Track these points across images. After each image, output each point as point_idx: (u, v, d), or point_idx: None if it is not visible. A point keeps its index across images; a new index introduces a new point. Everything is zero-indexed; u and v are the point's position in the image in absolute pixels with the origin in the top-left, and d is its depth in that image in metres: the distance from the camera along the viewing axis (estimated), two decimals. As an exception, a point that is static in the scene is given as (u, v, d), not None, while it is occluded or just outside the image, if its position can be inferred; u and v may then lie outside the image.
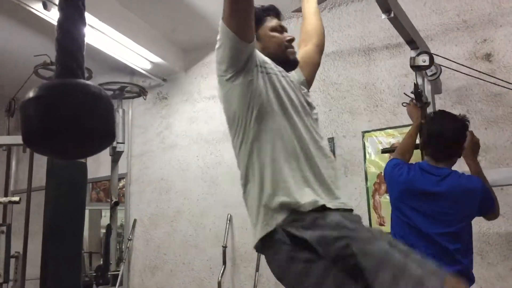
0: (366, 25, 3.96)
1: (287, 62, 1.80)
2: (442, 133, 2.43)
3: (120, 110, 3.75)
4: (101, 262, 4.99)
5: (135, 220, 4.87)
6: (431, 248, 2.24)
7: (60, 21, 0.53)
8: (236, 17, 1.54)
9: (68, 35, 0.49)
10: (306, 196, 1.50)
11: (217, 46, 1.64)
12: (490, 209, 2.46)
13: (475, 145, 2.57)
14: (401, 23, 2.54)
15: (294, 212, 1.48)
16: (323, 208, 1.50)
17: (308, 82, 1.97)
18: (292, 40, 1.84)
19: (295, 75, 1.89)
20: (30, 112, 0.45)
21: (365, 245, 1.38)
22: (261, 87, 1.60)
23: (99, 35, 3.86)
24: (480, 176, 2.46)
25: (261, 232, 1.52)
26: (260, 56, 1.68)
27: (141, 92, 4.02)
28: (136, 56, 4.38)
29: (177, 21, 4.30)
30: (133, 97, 4.20)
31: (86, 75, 2.79)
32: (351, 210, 1.63)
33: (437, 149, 2.45)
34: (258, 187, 1.55)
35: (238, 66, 1.58)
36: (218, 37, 1.62)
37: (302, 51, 2.06)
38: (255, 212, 1.56)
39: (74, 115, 0.45)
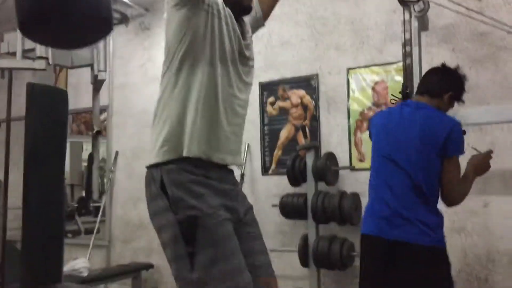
0: (356, -43, 3.85)
1: (241, 7, 1.70)
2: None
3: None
4: (83, 195, 5.04)
5: (117, 152, 4.88)
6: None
7: None
8: None
9: None
10: (194, 147, 1.53)
11: None
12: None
13: (485, 166, 2.31)
14: (392, -46, 2.46)
15: (179, 160, 1.52)
16: (209, 164, 1.56)
17: (265, 15, 1.93)
18: None
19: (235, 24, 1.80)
20: None
21: (210, 224, 1.48)
22: (199, 25, 1.54)
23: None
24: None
25: (149, 161, 1.60)
26: None
27: (123, 19, 3.89)
28: (117, -18, 4.20)
29: None
30: (114, 24, 4.06)
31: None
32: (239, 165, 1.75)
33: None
34: (161, 123, 1.59)
35: None
36: None
37: None
38: (154, 141, 1.61)
39: (63, 2, 0.43)
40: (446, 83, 2.24)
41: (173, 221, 1.48)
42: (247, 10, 1.75)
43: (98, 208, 4.67)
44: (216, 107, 1.58)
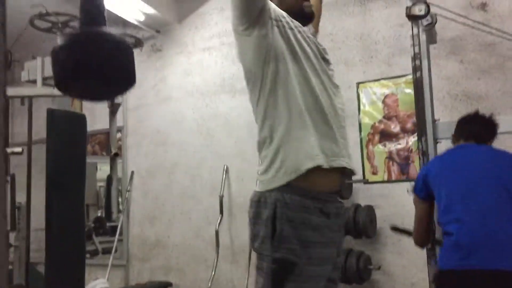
0: (362, -26, 3.92)
1: (303, 15, 1.75)
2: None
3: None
4: (98, 214, 5.11)
5: (132, 172, 4.95)
6: None
7: None
8: None
9: None
10: (313, 159, 1.50)
11: None
12: None
13: None
14: (398, -28, 2.53)
15: (295, 186, 1.49)
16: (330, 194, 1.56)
17: (316, 31, 1.98)
18: None
19: (306, 29, 1.87)
20: (60, 59, 0.50)
21: (306, 276, 1.46)
22: (276, 41, 1.56)
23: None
24: None
25: (260, 187, 1.56)
26: (277, 10, 1.63)
27: (137, 43, 4.00)
28: (129, 6, 4.32)
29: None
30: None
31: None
32: (351, 172, 1.69)
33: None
34: (272, 147, 1.56)
35: (251, 17, 1.54)
36: None
37: None
38: (265, 168, 1.57)
39: (99, 61, 0.49)
40: (492, 131, 2.44)
41: (270, 256, 1.47)
42: (310, 16, 1.80)
43: (115, 227, 4.75)
44: (323, 114, 1.57)
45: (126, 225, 4.93)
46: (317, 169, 1.50)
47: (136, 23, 4.59)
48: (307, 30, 1.79)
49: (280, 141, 1.54)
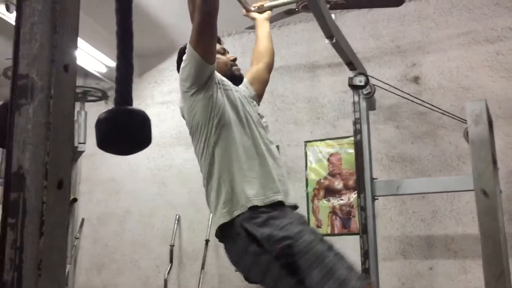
0: (311, 44, 4.32)
1: (234, 77, 2.13)
2: None
3: (83, 113, 3.92)
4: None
5: (83, 219, 4.97)
6: None
7: (118, 62, 0.79)
8: (202, 42, 1.82)
9: (124, 71, 0.76)
10: (254, 198, 1.77)
11: (183, 65, 1.90)
12: None
13: None
14: (341, 47, 2.89)
15: (251, 208, 1.74)
16: (278, 204, 1.79)
17: (259, 96, 2.29)
18: (235, 59, 2.18)
19: (246, 90, 2.21)
20: (102, 126, 0.72)
21: (304, 247, 1.63)
22: (220, 101, 1.88)
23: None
24: None
25: (219, 221, 1.79)
26: (218, 75, 1.97)
27: (103, 96, 4.18)
28: (92, 59, 4.51)
29: (133, 28, 4.48)
30: (95, 101, 4.35)
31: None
32: (297, 206, 1.95)
33: None
34: (218, 186, 1.82)
35: (201, 83, 1.86)
36: (185, 57, 1.89)
37: (253, 68, 2.38)
38: (214, 206, 1.82)
39: (132, 129, 0.72)
40: None
41: (271, 260, 1.61)
42: (240, 79, 2.15)
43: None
44: (262, 158, 1.85)
45: (73, 273, 4.88)
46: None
47: (98, 74, 4.77)
48: (243, 90, 2.13)
49: (222, 183, 1.80)
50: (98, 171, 5.04)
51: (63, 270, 0.52)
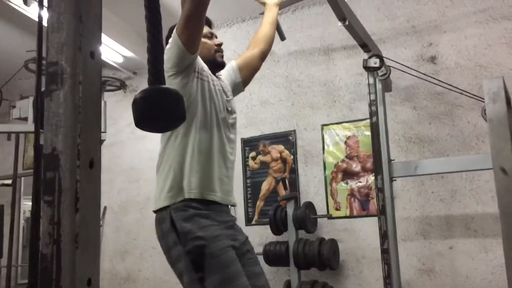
0: (326, 27, 4.31)
1: (216, 63, 2.15)
2: None
3: (102, 102, 3.98)
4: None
5: (105, 207, 5.08)
6: None
7: (149, 44, 0.83)
8: (187, 32, 1.85)
9: (156, 54, 0.80)
10: (193, 190, 1.84)
11: (167, 46, 1.95)
12: None
13: None
14: (355, 30, 2.88)
15: (183, 200, 1.83)
16: (212, 203, 1.87)
17: (244, 83, 2.33)
18: (220, 44, 2.20)
19: (232, 74, 2.24)
20: (139, 105, 0.77)
21: (216, 251, 1.75)
22: (192, 90, 1.93)
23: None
24: None
25: (162, 203, 1.88)
26: (200, 63, 2.00)
27: (122, 85, 4.25)
28: (108, 49, 4.57)
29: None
30: (113, 90, 4.42)
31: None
32: (233, 205, 2.04)
33: None
34: (167, 171, 1.90)
35: (179, 68, 1.91)
36: (170, 40, 1.93)
37: (247, 53, 2.39)
38: (160, 188, 1.92)
39: (166, 107, 0.77)
40: None
41: (183, 252, 1.73)
42: (221, 66, 2.18)
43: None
44: (210, 155, 1.92)
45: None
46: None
47: (114, 64, 4.83)
48: (228, 76, 2.16)
49: (170, 170, 1.87)
50: (118, 160, 5.13)
51: (97, 243, 0.56)
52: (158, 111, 0.77)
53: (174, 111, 0.80)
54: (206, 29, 2.12)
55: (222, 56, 2.19)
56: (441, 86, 3.46)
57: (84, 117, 0.56)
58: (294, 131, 4.32)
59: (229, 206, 2.02)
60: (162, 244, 1.87)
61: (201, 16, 1.86)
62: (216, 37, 2.23)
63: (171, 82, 1.90)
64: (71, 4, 0.57)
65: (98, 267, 0.56)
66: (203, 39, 2.08)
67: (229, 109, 2.10)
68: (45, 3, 0.60)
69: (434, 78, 3.46)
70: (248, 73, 2.35)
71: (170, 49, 1.91)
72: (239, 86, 2.31)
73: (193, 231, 1.74)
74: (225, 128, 2.03)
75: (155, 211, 1.92)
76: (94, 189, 0.57)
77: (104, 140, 3.55)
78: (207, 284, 1.71)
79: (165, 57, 1.93)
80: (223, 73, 2.23)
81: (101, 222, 4.94)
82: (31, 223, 0.60)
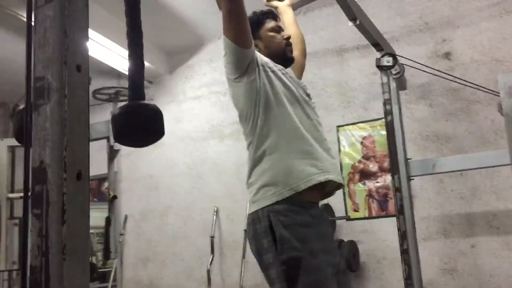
0: (337, 28, 4.29)
1: (286, 58, 2.09)
2: None
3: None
4: (91, 260, 5.23)
5: (126, 216, 5.13)
6: None
7: (130, 60, 0.84)
8: (233, 29, 1.83)
9: (137, 69, 0.80)
10: (300, 180, 1.76)
11: (223, 54, 1.93)
12: None
13: None
14: (366, 29, 2.86)
15: (283, 201, 1.75)
16: (310, 195, 1.80)
17: (304, 57, 2.31)
18: (289, 37, 2.13)
19: (292, 73, 2.20)
20: (118, 121, 0.77)
21: (312, 267, 1.66)
22: (263, 84, 1.88)
23: (89, 42, 4.10)
24: None
25: (252, 207, 1.82)
26: (261, 57, 1.96)
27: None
28: (124, 60, 4.63)
29: (161, 26, 4.57)
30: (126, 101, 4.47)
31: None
32: (340, 185, 1.95)
33: None
34: (260, 170, 1.83)
35: (242, 68, 1.86)
36: (223, 46, 1.91)
37: None
38: (255, 191, 1.83)
39: (144, 122, 0.77)
40: None
41: (278, 260, 1.66)
42: (291, 60, 2.12)
43: (105, 273, 4.88)
44: (307, 141, 1.84)
45: (120, 268, 5.06)
46: (309, 190, 1.77)
47: (129, 74, 4.89)
48: (290, 71, 2.11)
49: (268, 166, 1.80)
50: (137, 168, 5.18)
51: (86, 254, 0.57)
52: (136, 126, 0.78)
53: (151, 126, 0.81)
54: (272, 23, 2.10)
55: (292, 51, 2.13)
56: (456, 82, 3.41)
57: (71, 130, 0.57)
58: (310, 133, 4.30)
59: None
60: (253, 245, 1.77)
61: (240, 9, 1.82)
62: (283, 30, 2.17)
63: (239, 85, 1.87)
64: (56, 20, 0.58)
65: (87, 277, 0.57)
66: (270, 33, 2.07)
67: (308, 92, 2.06)
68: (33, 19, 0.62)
69: (449, 74, 3.41)
70: (298, 73, 2.33)
71: (226, 54, 1.88)
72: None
73: (291, 241, 1.66)
74: (311, 110, 1.97)
75: (249, 215, 1.83)
76: (82, 200, 0.58)
77: (119, 149, 3.60)
78: None
79: (224, 64, 1.91)
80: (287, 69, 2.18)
81: (122, 231, 5.00)
82: (22, 236, 0.61)
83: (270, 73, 1.92)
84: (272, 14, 2.16)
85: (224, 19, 1.84)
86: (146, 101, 0.84)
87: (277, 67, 1.98)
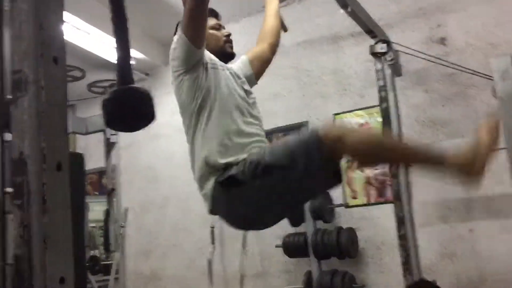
0: (333, 15, 4.26)
1: (225, 54, 2.15)
2: None
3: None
4: (91, 253, 5.25)
5: (126, 208, 5.15)
6: None
7: (117, 46, 0.84)
8: (192, 27, 1.86)
9: (124, 55, 0.81)
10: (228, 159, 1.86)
11: (172, 46, 1.97)
12: None
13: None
14: (358, 16, 2.86)
15: (219, 169, 1.85)
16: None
17: (256, 75, 2.32)
18: (229, 35, 2.20)
19: (242, 67, 2.24)
20: (109, 106, 0.79)
21: (270, 152, 1.78)
22: (205, 81, 1.94)
23: (84, 35, 4.10)
24: None
25: (207, 193, 1.92)
26: (207, 55, 2.01)
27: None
28: (119, 53, 4.62)
29: (156, 17, 4.56)
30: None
31: (80, 74, 3.05)
32: None
33: None
34: (198, 159, 1.92)
35: (188, 65, 1.92)
36: (175, 39, 1.94)
37: (257, 48, 2.38)
38: (199, 181, 1.95)
39: (134, 105, 0.78)
40: None
41: (249, 184, 1.78)
42: (230, 56, 2.19)
43: (108, 265, 4.91)
44: (242, 136, 1.93)
45: (122, 261, 5.09)
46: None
47: (126, 67, 4.89)
48: (238, 67, 2.16)
49: (206, 160, 1.87)
50: (136, 160, 5.20)
51: (68, 244, 0.58)
52: (127, 111, 0.78)
53: (142, 110, 0.82)
54: (213, 21, 2.15)
55: (232, 47, 2.19)
56: (452, 68, 3.41)
57: (49, 122, 0.58)
58: (307, 121, 4.30)
59: None
60: (229, 212, 1.93)
61: (203, 10, 1.87)
62: (224, 28, 2.24)
63: (182, 80, 1.93)
64: (30, 13, 0.59)
65: (71, 266, 0.58)
66: (211, 31, 2.11)
67: (246, 88, 2.12)
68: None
69: (444, 60, 3.41)
70: (259, 65, 2.34)
71: (176, 48, 1.93)
72: (251, 79, 2.30)
73: (246, 165, 1.78)
74: (248, 106, 2.05)
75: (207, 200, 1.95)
76: (63, 191, 0.59)
77: (116, 142, 3.61)
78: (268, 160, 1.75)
79: (171, 56, 1.96)
80: (233, 67, 2.23)
81: (123, 223, 5.02)
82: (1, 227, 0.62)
83: (218, 70, 1.99)
84: (214, 13, 2.20)
85: (186, 16, 1.87)
86: (135, 86, 0.84)
87: (220, 63, 2.06)
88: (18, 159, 0.57)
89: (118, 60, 0.81)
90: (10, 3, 0.60)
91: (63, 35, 0.63)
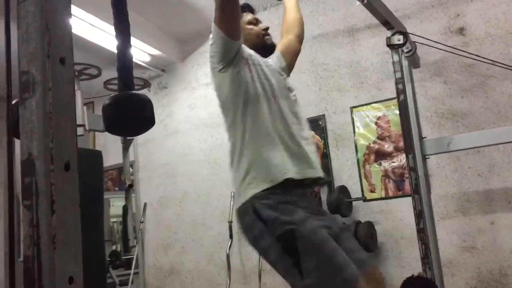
0: (348, 7, 4.23)
1: (266, 48, 2.13)
2: None
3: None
4: (113, 248, 5.32)
5: (145, 204, 5.21)
6: None
7: (118, 52, 0.85)
8: (225, 20, 1.85)
9: (125, 61, 0.81)
10: (277, 174, 1.79)
11: (210, 43, 1.94)
12: None
13: None
14: (374, 7, 2.82)
15: (264, 190, 1.77)
16: (291, 182, 1.80)
17: (289, 67, 2.29)
18: (267, 28, 2.18)
19: (277, 61, 2.21)
20: (109, 112, 0.78)
21: (307, 232, 1.67)
22: (247, 76, 1.91)
23: (101, 33, 4.14)
24: None
25: (238, 202, 1.85)
26: (246, 50, 1.99)
27: (145, 84, 4.33)
28: (135, 49, 4.65)
29: (171, 14, 4.57)
30: (138, 90, 4.50)
31: (96, 72, 3.07)
32: (320, 178, 1.95)
33: None
34: (242, 165, 1.85)
35: (228, 59, 1.89)
36: (211, 35, 1.93)
37: (284, 40, 2.36)
38: (238, 185, 1.86)
39: (134, 111, 0.78)
40: None
41: (273, 240, 1.67)
42: (272, 48, 2.16)
43: (129, 260, 4.98)
44: (288, 133, 1.89)
45: (142, 255, 5.15)
46: (287, 180, 1.79)
47: (142, 64, 4.92)
48: (274, 61, 2.12)
49: (248, 161, 1.82)
50: (154, 157, 5.24)
51: (77, 243, 0.59)
52: (126, 116, 0.79)
53: (141, 115, 0.82)
54: (249, 16, 2.14)
55: (271, 39, 2.18)
56: (471, 58, 3.35)
57: (57, 123, 0.58)
58: (324, 115, 4.28)
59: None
60: (248, 238, 1.80)
61: (235, 1, 1.86)
62: (261, 22, 2.23)
63: (224, 76, 1.90)
64: (37, 14, 0.59)
65: (80, 265, 0.58)
66: (249, 26, 2.10)
67: (288, 86, 2.10)
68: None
69: (463, 50, 3.35)
70: (290, 57, 2.32)
71: (214, 44, 1.91)
72: (285, 71, 2.29)
73: (280, 217, 1.68)
74: (291, 104, 2.01)
75: (238, 208, 1.85)
76: (71, 190, 0.60)
77: (132, 139, 3.64)
78: (304, 268, 1.62)
79: (210, 53, 1.94)
80: (271, 63, 2.21)
81: (142, 219, 5.08)
82: (8, 227, 0.63)
83: (257, 66, 1.95)
84: (249, 8, 2.20)
85: (218, 9, 1.85)
86: (136, 91, 0.84)
87: (261, 59, 2.01)
88: (27, 159, 0.58)
89: (119, 65, 0.82)
90: (16, 4, 0.61)
91: (70, 35, 0.64)
